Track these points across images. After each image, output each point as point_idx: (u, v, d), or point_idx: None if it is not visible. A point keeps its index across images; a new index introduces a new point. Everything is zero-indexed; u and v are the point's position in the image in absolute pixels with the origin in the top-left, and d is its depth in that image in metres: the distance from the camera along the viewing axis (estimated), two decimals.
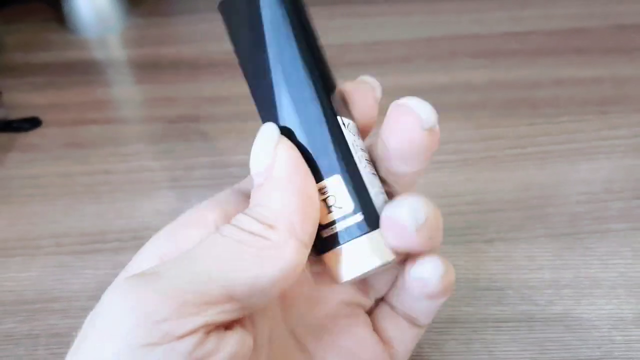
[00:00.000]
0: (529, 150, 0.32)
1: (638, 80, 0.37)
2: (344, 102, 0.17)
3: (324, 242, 0.16)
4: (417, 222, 0.15)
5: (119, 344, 0.12)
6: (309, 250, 0.15)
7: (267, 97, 0.16)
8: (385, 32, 0.43)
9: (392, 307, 0.19)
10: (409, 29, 0.43)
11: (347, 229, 0.15)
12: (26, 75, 0.41)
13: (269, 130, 0.15)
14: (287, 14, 0.16)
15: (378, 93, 0.17)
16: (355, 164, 0.16)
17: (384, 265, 0.16)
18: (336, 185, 0.15)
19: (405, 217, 0.15)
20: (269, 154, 0.15)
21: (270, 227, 0.14)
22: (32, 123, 0.36)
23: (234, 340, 0.13)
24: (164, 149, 0.34)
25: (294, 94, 0.16)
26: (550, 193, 0.29)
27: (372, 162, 0.17)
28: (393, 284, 0.19)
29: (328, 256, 0.16)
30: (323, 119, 0.16)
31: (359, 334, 0.18)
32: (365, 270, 0.15)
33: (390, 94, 0.38)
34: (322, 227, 0.15)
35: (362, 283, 0.19)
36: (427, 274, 0.16)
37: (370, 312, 0.19)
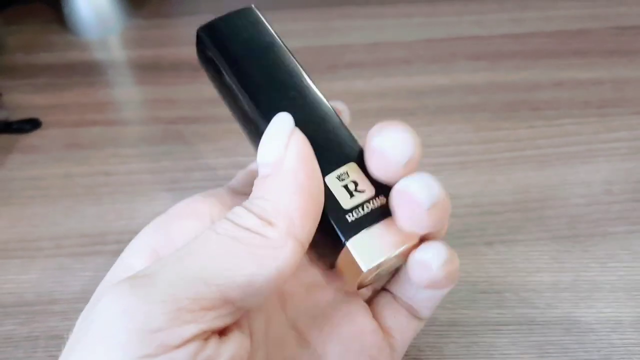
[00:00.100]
0: (529, 152, 0.32)
1: (638, 83, 0.37)
2: None
3: (350, 226, 0.15)
4: (431, 199, 0.14)
5: (113, 357, 0.12)
6: (305, 250, 0.14)
7: (272, 97, 0.16)
8: (385, 33, 0.43)
9: (394, 297, 0.18)
10: (409, 31, 0.43)
11: (373, 210, 0.15)
12: (27, 76, 0.41)
13: (284, 119, 0.15)
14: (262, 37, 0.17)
15: (346, 118, 0.17)
16: (363, 151, 0.16)
17: (408, 247, 0.16)
18: (355, 170, 0.16)
19: (419, 191, 0.14)
20: (281, 145, 0.14)
21: (270, 223, 0.14)
22: (33, 124, 0.36)
23: (232, 344, 0.13)
24: (164, 150, 0.34)
25: (304, 92, 0.16)
26: (550, 195, 0.29)
27: None
28: (396, 272, 0.18)
29: (354, 241, 0.15)
30: (332, 111, 0.17)
31: (359, 322, 0.18)
32: (395, 252, 0.15)
33: (391, 95, 0.39)
34: (347, 212, 0.15)
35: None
36: (430, 257, 0.15)
37: (369, 302, 0.19)
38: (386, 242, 0.15)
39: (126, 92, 0.41)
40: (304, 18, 0.45)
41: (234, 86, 0.16)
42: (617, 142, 0.32)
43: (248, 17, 0.17)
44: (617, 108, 0.35)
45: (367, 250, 0.15)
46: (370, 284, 0.17)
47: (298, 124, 0.15)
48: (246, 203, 0.14)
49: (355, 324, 0.18)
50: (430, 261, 0.15)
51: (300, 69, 0.17)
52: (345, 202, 0.15)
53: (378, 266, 0.15)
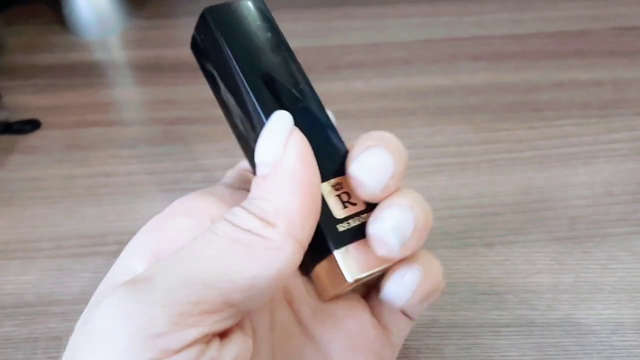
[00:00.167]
0: (529, 153, 0.32)
1: (639, 84, 0.37)
2: None
3: (340, 236, 0.15)
4: (402, 240, 0.14)
5: None
6: (304, 250, 0.14)
7: (275, 94, 0.16)
8: (385, 33, 0.43)
9: None
10: (409, 31, 0.43)
11: (363, 225, 0.15)
12: (27, 77, 0.41)
13: (284, 118, 0.15)
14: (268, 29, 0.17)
15: (333, 122, 0.17)
16: None
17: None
18: (348, 183, 0.16)
19: (390, 237, 0.14)
20: (280, 145, 0.14)
21: (270, 224, 0.13)
22: (33, 125, 0.36)
23: (233, 347, 0.13)
24: (164, 151, 0.34)
25: (303, 103, 0.16)
26: (550, 197, 0.29)
27: None
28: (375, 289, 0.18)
29: (342, 252, 0.15)
30: (330, 120, 0.17)
31: (361, 317, 0.18)
32: (379, 269, 0.15)
33: (391, 96, 0.39)
34: (338, 221, 0.15)
35: None
36: (400, 289, 0.16)
37: (364, 298, 0.19)
38: (371, 258, 0.15)
39: (126, 92, 0.41)
40: (304, 18, 0.45)
41: (235, 75, 0.16)
42: (617, 143, 0.32)
43: (258, 8, 0.17)
44: (617, 109, 0.35)
45: (353, 262, 0.15)
46: (342, 295, 0.17)
47: (299, 127, 0.15)
48: (245, 203, 0.14)
49: (358, 319, 0.18)
50: (402, 293, 0.16)
51: (304, 72, 0.17)
52: (338, 211, 0.15)
53: (360, 279, 0.15)
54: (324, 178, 0.15)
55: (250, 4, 0.17)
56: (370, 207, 0.16)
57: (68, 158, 0.34)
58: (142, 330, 0.12)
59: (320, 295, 0.17)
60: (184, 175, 0.32)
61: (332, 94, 0.37)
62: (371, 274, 0.16)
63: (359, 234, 0.15)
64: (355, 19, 0.45)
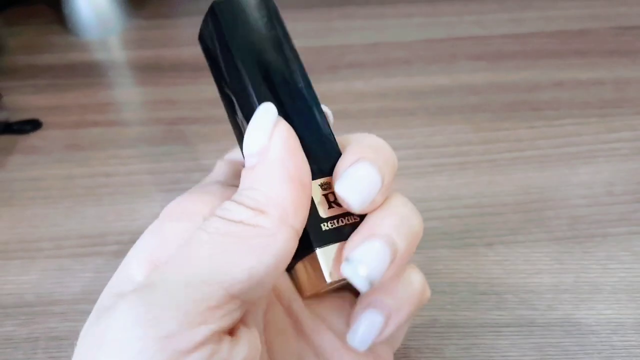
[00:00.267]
0: (529, 153, 0.32)
1: (639, 83, 0.37)
2: None
3: (323, 235, 0.15)
4: (371, 284, 0.14)
5: None
6: (299, 237, 0.14)
7: (276, 89, 0.16)
8: (385, 33, 0.43)
9: None
10: (410, 31, 0.43)
11: (347, 226, 0.15)
12: (27, 77, 0.41)
13: (268, 109, 0.15)
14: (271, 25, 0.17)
15: (330, 120, 0.17)
16: None
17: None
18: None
19: (358, 280, 0.14)
20: (266, 135, 0.14)
21: (262, 212, 0.13)
22: (33, 125, 0.36)
23: (244, 344, 0.13)
24: (164, 151, 0.34)
25: (301, 102, 0.16)
26: (550, 196, 0.29)
27: None
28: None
29: (324, 251, 0.15)
30: (325, 119, 0.17)
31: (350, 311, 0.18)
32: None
33: (391, 96, 0.39)
34: (323, 220, 0.15)
35: None
36: (364, 330, 0.16)
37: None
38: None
39: (126, 92, 0.41)
40: (304, 18, 0.45)
41: (238, 69, 0.16)
42: (618, 143, 0.32)
43: (267, 4, 0.17)
44: (618, 108, 0.35)
45: (333, 262, 0.15)
46: (317, 295, 0.17)
47: (294, 124, 0.15)
48: (235, 196, 0.14)
49: (349, 314, 0.17)
50: (367, 334, 0.16)
51: (305, 72, 0.17)
52: (323, 211, 0.15)
53: (339, 281, 0.15)
54: (313, 176, 0.15)
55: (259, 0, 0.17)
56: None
57: (68, 158, 0.34)
58: (153, 333, 0.12)
59: (300, 292, 0.17)
60: (184, 175, 0.32)
61: (332, 94, 0.37)
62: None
63: (342, 235, 0.15)
64: (355, 19, 0.45)
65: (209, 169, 0.32)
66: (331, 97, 0.36)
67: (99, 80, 0.41)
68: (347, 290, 0.18)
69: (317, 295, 0.17)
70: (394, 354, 0.19)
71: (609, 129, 0.33)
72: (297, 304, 0.17)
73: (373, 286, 0.14)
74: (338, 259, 0.15)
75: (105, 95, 0.39)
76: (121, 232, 0.29)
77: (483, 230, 0.28)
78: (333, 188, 0.15)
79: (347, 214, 0.16)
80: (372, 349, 0.17)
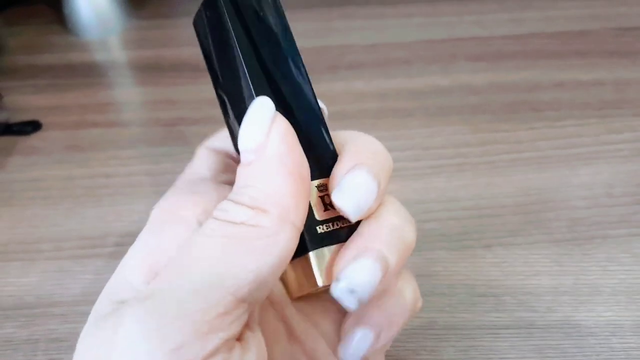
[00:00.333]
0: (529, 154, 0.32)
1: (639, 84, 0.37)
2: None
3: (318, 237, 0.15)
4: (359, 303, 0.14)
5: None
6: (300, 234, 0.14)
7: (276, 84, 0.16)
8: (385, 34, 0.43)
9: None
10: (409, 31, 0.43)
11: (342, 229, 0.15)
12: (27, 77, 0.41)
13: (265, 104, 0.14)
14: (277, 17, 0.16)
15: (325, 114, 0.17)
16: None
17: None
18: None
19: (347, 302, 0.14)
20: (263, 130, 0.14)
21: (263, 211, 0.13)
22: (33, 126, 0.36)
23: (253, 350, 0.13)
24: (164, 152, 0.34)
25: (300, 99, 0.16)
26: (550, 198, 0.29)
27: None
28: None
29: (317, 254, 0.15)
30: (323, 118, 0.16)
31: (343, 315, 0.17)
32: None
33: (391, 96, 0.39)
34: (318, 223, 0.15)
35: None
36: (351, 357, 0.16)
37: None
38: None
39: (126, 93, 0.41)
40: (304, 18, 0.45)
41: (236, 60, 0.15)
42: (618, 144, 0.32)
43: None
44: (618, 109, 0.35)
45: (326, 265, 0.15)
46: (305, 295, 0.17)
47: (292, 124, 0.15)
48: (232, 195, 0.14)
49: (339, 321, 0.17)
50: (357, 350, 0.16)
51: (305, 69, 0.16)
52: (319, 213, 0.15)
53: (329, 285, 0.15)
54: (312, 176, 0.15)
55: None
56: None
57: (68, 159, 0.34)
58: (162, 346, 0.12)
59: (288, 293, 0.17)
60: None
61: (332, 94, 0.37)
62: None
63: (336, 238, 0.15)
64: (355, 19, 0.45)
65: None
66: (331, 98, 0.36)
67: (99, 80, 0.41)
68: None
69: (300, 298, 0.17)
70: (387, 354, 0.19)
71: (609, 130, 0.33)
72: (290, 309, 0.17)
73: (362, 305, 0.14)
74: (331, 262, 0.15)
75: (105, 95, 0.39)
76: (121, 233, 0.29)
77: (481, 232, 0.28)
78: (329, 191, 0.15)
79: (342, 217, 0.15)
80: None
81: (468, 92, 0.37)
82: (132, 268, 0.14)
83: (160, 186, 0.32)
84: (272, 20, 0.16)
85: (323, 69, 0.39)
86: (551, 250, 0.27)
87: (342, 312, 0.17)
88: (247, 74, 0.15)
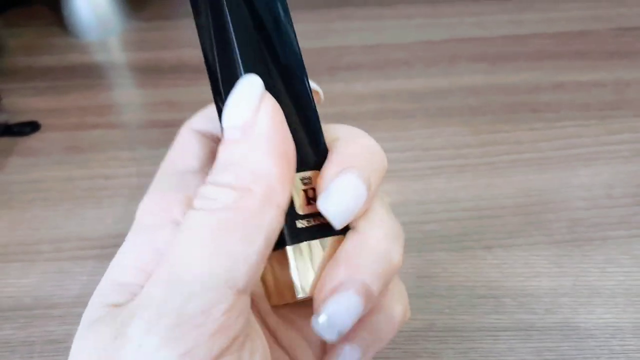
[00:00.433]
0: (529, 155, 0.32)
1: (639, 85, 0.37)
2: None
3: (296, 232, 0.14)
4: (339, 335, 0.14)
5: None
6: (284, 216, 0.13)
7: (271, 66, 0.15)
8: (385, 34, 0.43)
9: None
10: (409, 32, 0.43)
11: (324, 225, 0.14)
12: (27, 78, 0.41)
13: (254, 82, 0.14)
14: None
15: (320, 97, 0.16)
16: None
17: None
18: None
19: (327, 335, 0.14)
20: (251, 108, 0.13)
21: (248, 190, 0.13)
22: (33, 127, 0.36)
23: (259, 343, 0.13)
24: (164, 153, 0.34)
25: (291, 84, 0.15)
26: (550, 199, 0.29)
27: None
28: None
29: (295, 249, 0.14)
30: (316, 110, 0.15)
31: None
32: None
33: (390, 98, 0.39)
34: (298, 217, 0.14)
35: None
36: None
37: None
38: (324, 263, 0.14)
39: (126, 94, 0.41)
40: (303, 19, 0.45)
41: (229, 41, 0.15)
42: (618, 145, 0.32)
43: None
44: (618, 110, 0.35)
45: (307, 274, 0.14)
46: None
47: (285, 111, 0.14)
48: (213, 177, 0.13)
49: None
50: None
51: (304, 63, 0.16)
52: (301, 207, 0.14)
53: (308, 298, 0.15)
54: (297, 168, 0.14)
55: None
56: None
57: (68, 160, 0.34)
58: (170, 353, 0.11)
59: (268, 298, 0.16)
60: None
61: (331, 95, 0.37)
62: None
63: (316, 234, 0.14)
64: (354, 20, 0.45)
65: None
66: (330, 99, 0.36)
67: (99, 82, 0.41)
68: None
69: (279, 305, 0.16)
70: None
71: (609, 130, 0.33)
72: (273, 318, 0.16)
73: (342, 336, 0.14)
74: (312, 268, 0.14)
75: (105, 97, 0.39)
76: (121, 234, 0.28)
77: (481, 233, 0.28)
78: (317, 193, 0.15)
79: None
80: None
81: (468, 93, 0.37)
82: (122, 269, 0.14)
83: None
84: (273, 8, 0.15)
85: (322, 70, 0.39)
86: (551, 251, 0.27)
87: None
88: (238, 51, 0.15)
